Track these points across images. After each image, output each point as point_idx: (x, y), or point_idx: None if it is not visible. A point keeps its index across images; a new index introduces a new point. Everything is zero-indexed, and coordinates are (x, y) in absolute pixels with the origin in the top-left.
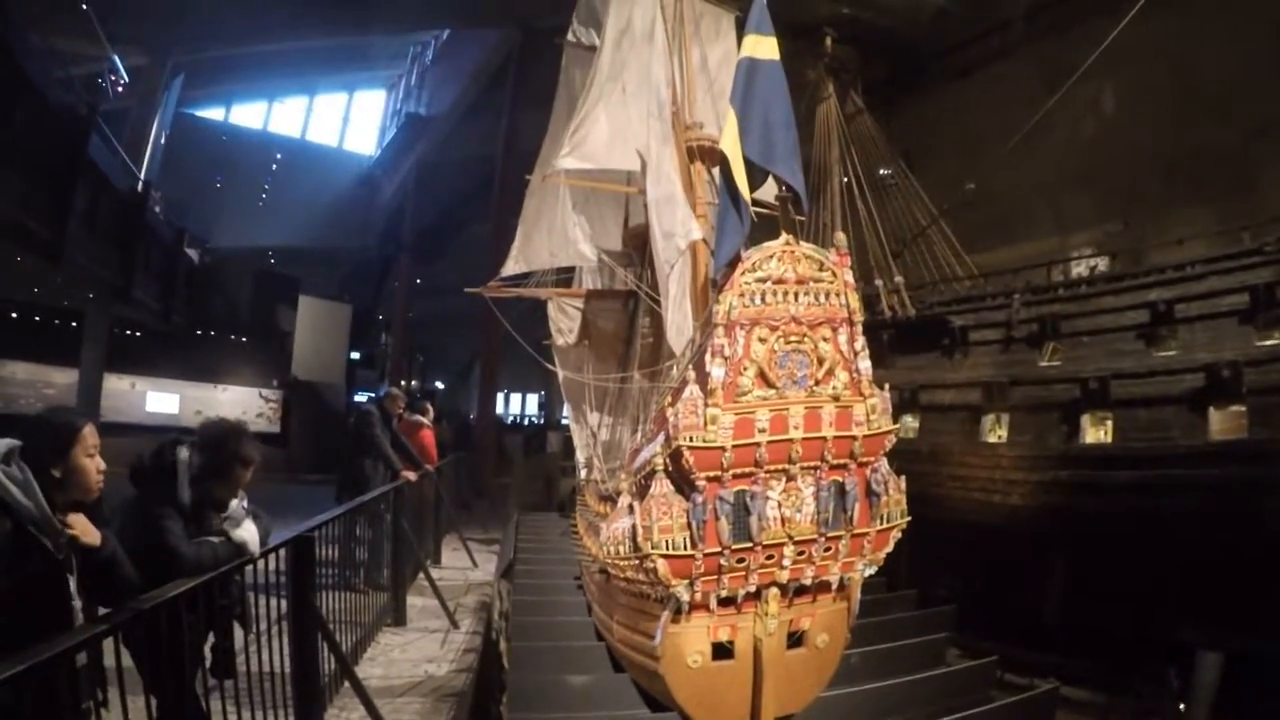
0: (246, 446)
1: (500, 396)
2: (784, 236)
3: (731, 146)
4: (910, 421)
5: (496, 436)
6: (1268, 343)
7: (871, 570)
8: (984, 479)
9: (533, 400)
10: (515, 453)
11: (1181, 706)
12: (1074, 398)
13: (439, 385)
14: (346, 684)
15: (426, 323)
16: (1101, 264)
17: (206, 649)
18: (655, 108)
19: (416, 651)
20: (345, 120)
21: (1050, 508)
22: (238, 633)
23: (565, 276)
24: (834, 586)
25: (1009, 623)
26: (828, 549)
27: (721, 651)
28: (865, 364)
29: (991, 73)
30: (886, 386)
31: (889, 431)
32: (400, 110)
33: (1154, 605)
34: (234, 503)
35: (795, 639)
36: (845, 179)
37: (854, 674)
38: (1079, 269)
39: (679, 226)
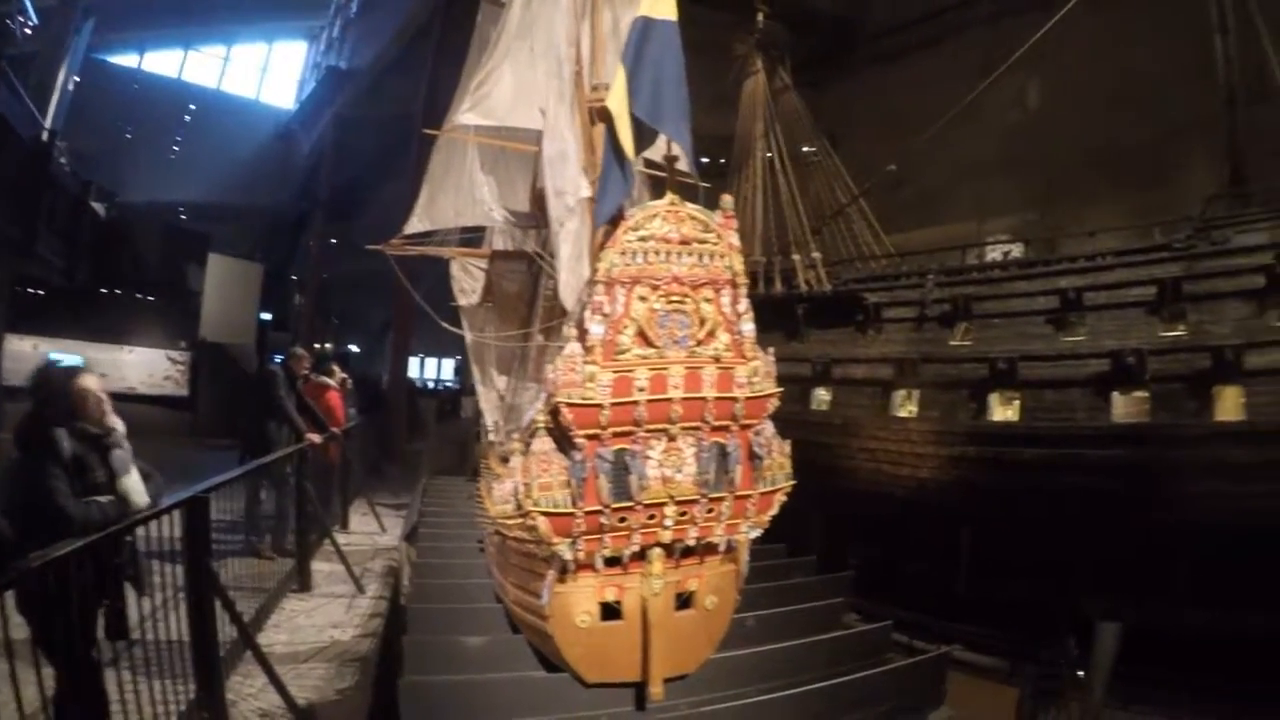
0: (64, 371)
1: (415, 361)
2: (669, 196)
3: (618, 103)
4: (823, 395)
5: (410, 400)
6: (1171, 334)
7: (757, 532)
8: (894, 452)
9: (449, 365)
10: (429, 417)
11: (1081, 674)
12: (983, 377)
13: (354, 348)
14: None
15: (342, 283)
16: (1016, 250)
17: (100, 614)
18: (555, 65)
19: (322, 617)
20: (264, 71)
21: (958, 482)
22: (136, 601)
23: (471, 236)
24: (721, 548)
25: (918, 591)
26: (710, 510)
27: (610, 612)
28: (749, 326)
29: (922, 58)
30: (771, 350)
31: (772, 394)
32: (321, 63)
33: (1057, 577)
34: (117, 451)
35: (684, 600)
36: (769, 154)
37: (750, 636)
38: (994, 254)
39: (569, 184)
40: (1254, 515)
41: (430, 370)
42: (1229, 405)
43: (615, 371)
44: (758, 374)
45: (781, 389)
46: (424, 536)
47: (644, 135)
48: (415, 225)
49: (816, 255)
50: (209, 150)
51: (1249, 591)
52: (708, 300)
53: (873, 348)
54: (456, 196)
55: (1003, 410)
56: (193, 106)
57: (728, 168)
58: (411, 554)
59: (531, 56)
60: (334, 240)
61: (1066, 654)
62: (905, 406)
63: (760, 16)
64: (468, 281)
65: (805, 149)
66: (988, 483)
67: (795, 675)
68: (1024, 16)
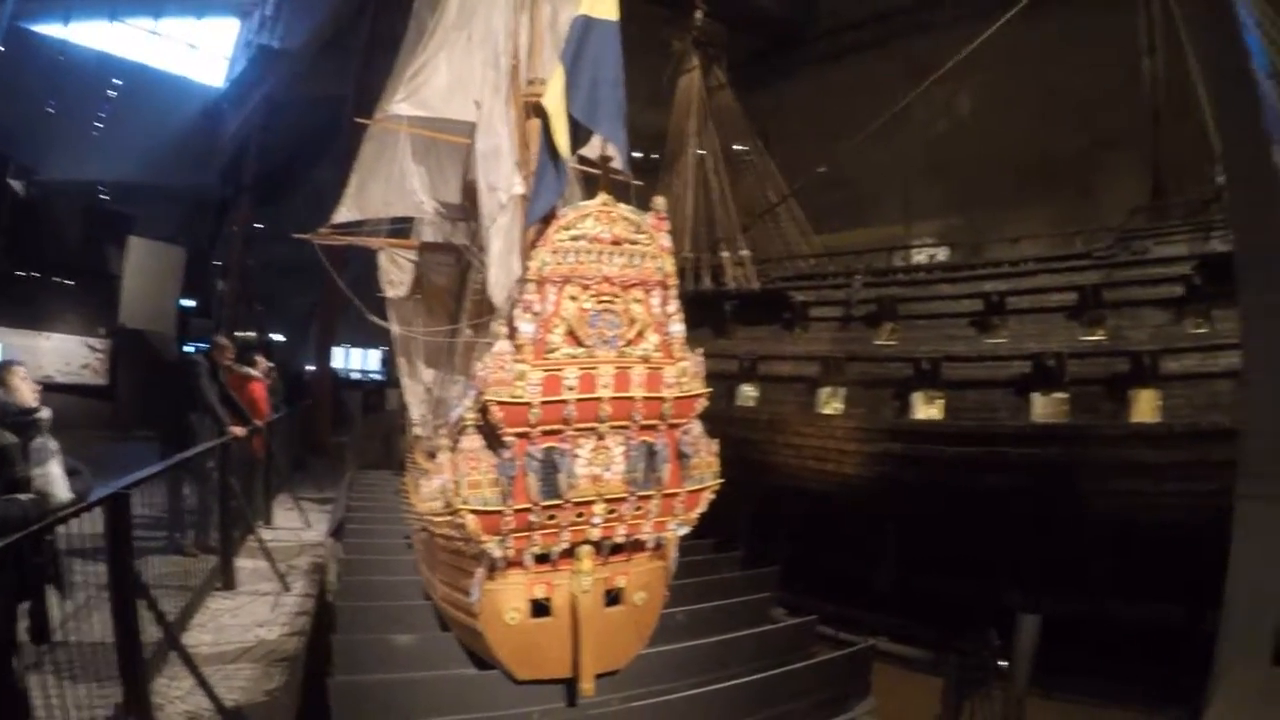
0: None
1: (341, 351)
2: (601, 196)
3: (555, 102)
4: (750, 391)
5: (334, 392)
6: (1091, 338)
7: (685, 530)
8: (819, 448)
9: (374, 355)
10: (354, 410)
11: (1003, 664)
12: (907, 376)
13: (277, 337)
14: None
15: (267, 270)
16: (942, 253)
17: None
18: (492, 58)
19: (247, 616)
20: (193, 47)
21: (882, 478)
22: (59, 603)
23: (401, 227)
24: (650, 545)
25: (844, 585)
26: (639, 508)
27: (540, 609)
28: (678, 327)
29: (857, 62)
30: (699, 351)
31: (700, 395)
32: (253, 41)
33: (979, 571)
34: (38, 441)
35: (613, 597)
36: (701, 151)
37: (679, 632)
38: (920, 256)
39: (502, 180)
40: (1168, 511)
41: (355, 361)
42: (1145, 408)
43: (545, 370)
44: (686, 374)
45: (710, 389)
46: (351, 533)
47: (579, 135)
48: (344, 214)
49: (745, 253)
50: (134, 127)
51: (1164, 583)
52: (638, 301)
53: (799, 345)
54: (387, 186)
55: (926, 409)
56: (118, 81)
57: (659, 163)
58: (338, 551)
59: (469, 46)
60: (259, 225)
61: (989, 645)
62: (830, 404)
63: (698, 14)
64: (396, 273)
65: (738, 147)
66: (911, 479)
67: (723, 670)
68: (959, 26)
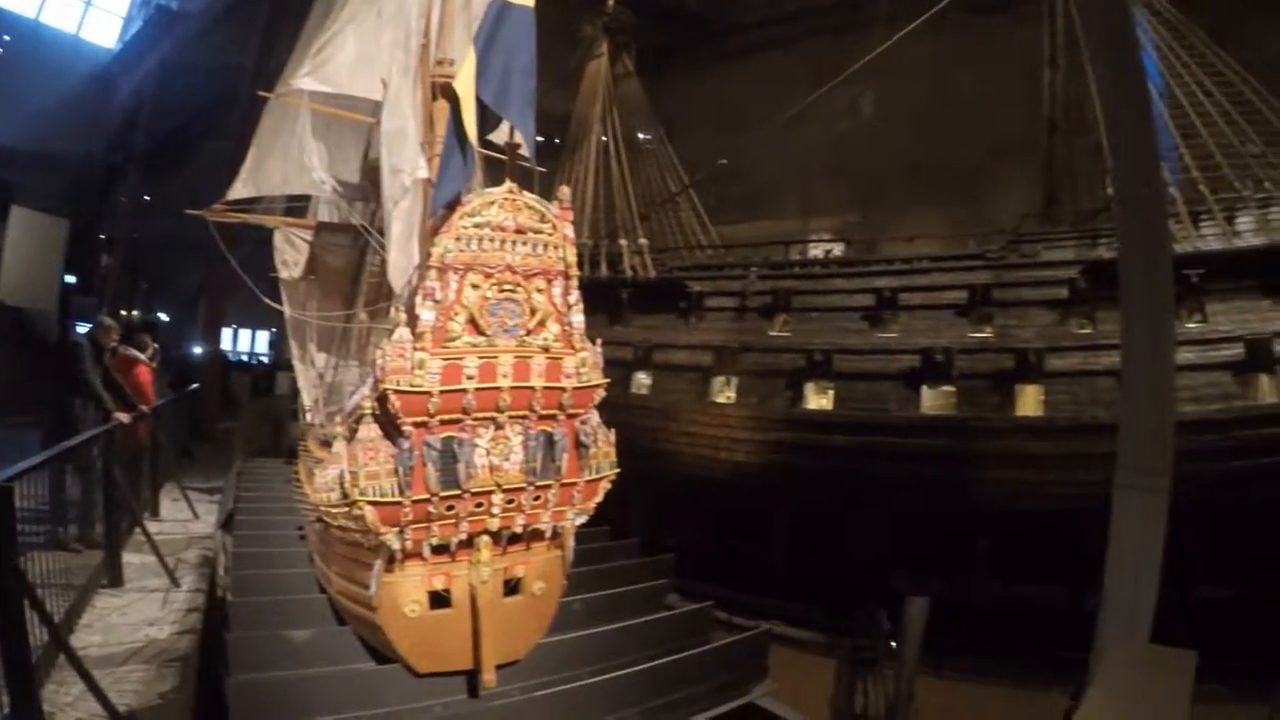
0: None
1: (229, 332)
2: (507, 184)
3: (465, 87)
4: (644, 379)
5: (222, 376)
6: (979, 335)
7: (582, 519)
8: (712, 436)
9: (263, 337)
10: (242, 394)
11: (894, 645)
12: (799, 367)
13: (163, 316)
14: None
15: (154, 245)
16: (838, 249)
17: None
18: (403, 37)
19: (136, 614)
20: (87, 4)
21: (774, 466)
22: None
23: (297, 205)
24: (547, 535)
25: (738, 570)
26: (537, 498)
27: (439, 600)
28: (578, 318)
29: (765, 59)
30: (599, 341)
31: (598, 385)
32: (150, 1)
33: (869, 556)
34: None
35: (512, 586)
36: (604, 138)
37: (577, 620)
38: (816, 251)
39: (407, 163)
40: (1050, 500)
41: (244, 343)
42: (1029, 402)
43: (445, 359)
44: (585, 365)
45: (608, 380)
46: (241, 524)
47: (487, 120)
48: (240, 190)
49: (643, 241)
50: (18, 88)
51: (1045, 567)
52: (539, 290)
53: (694, 335)
54: (285, 162)
55: (818, 399)
56: (5, 37)
57: (561, 148)
58: (228, 543)
59: (379, 23)
60: (148, 197)
61: (879, 627)
62: (724, 393)
63: (610, 1)
64: (290, 253)
65: (641, 136)
66: (803, 467)
67: (622, 657)
68: (868, 29)
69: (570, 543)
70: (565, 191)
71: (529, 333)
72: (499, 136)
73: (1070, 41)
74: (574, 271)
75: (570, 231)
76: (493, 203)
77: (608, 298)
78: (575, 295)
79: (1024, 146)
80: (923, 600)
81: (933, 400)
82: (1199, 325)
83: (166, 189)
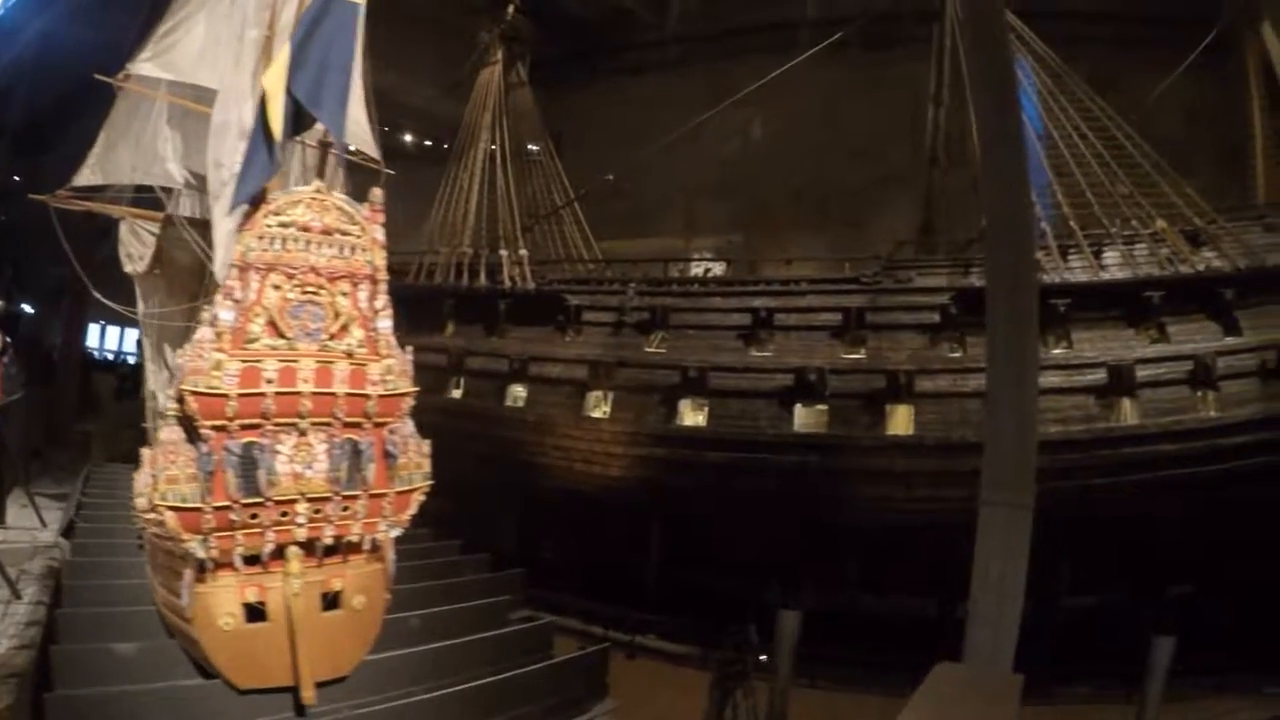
0: None
1: (97, 328)
2: (316, 183)
3: (274, 82)
4: (520, 391)
5: (83, 374)
6: (852, 356)
7: (397, 532)
8: (586, 451)
9: (132, 335)
10: (106, 395)
11: (764, 658)
12: (674, 383)
13: (27, 308)
14: None
15: (22, 229)
16: (718, 268)
17: None
18: (241, 29)
19: None
20: None
21: (648, 481)
22: None
23: (148, 197)
24: (365, 547)
25: (611, 584)
26: (345, 509)
27: (255, 614)
28: (386, 323)
29: (658, 78)
30: (409, 349)
31: (406, 393)
32: None
33: (742, 570)
34: None
35: (330, 600)
36: (493, 147)
37: (413, 636)
38: (697, 269)
39: (227, 157)
40: (919, 516)
41: (112, 340)
42: (900, 422)
43: (243, 361)
44: (392, 372)
45: (416, 388)
46: (81, 532)
47: (303, 117)
48: (87, 177)
49: (524, 253)
50: None
51: (917, 580)
52: (344, 294)
53: (570, 349)
54: (137, 150)
55: (692, 416)
56: None
57: (448, 153)
58: (68, 551)
59: (230, 9)
60: (17, 176)
61: (748, 640)
62: (599, 407)
63: (511, 7)
64: (136, 246)
65: (531, 147)
66: (676, 482)
67: (456, 675)
68: (762, 55)
69: (391, 556)
70: (378, 194)
71: (332, 337)
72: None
73: (956, 80)
74: (382, 275)
75: (380, 234)
76: (299, 202)
77: (485, 308)
78: (383, 300)
79: (906, 177)
80: (794, 613)
81: (805, 418)
82: (1065, 351)
83: (39, 169)
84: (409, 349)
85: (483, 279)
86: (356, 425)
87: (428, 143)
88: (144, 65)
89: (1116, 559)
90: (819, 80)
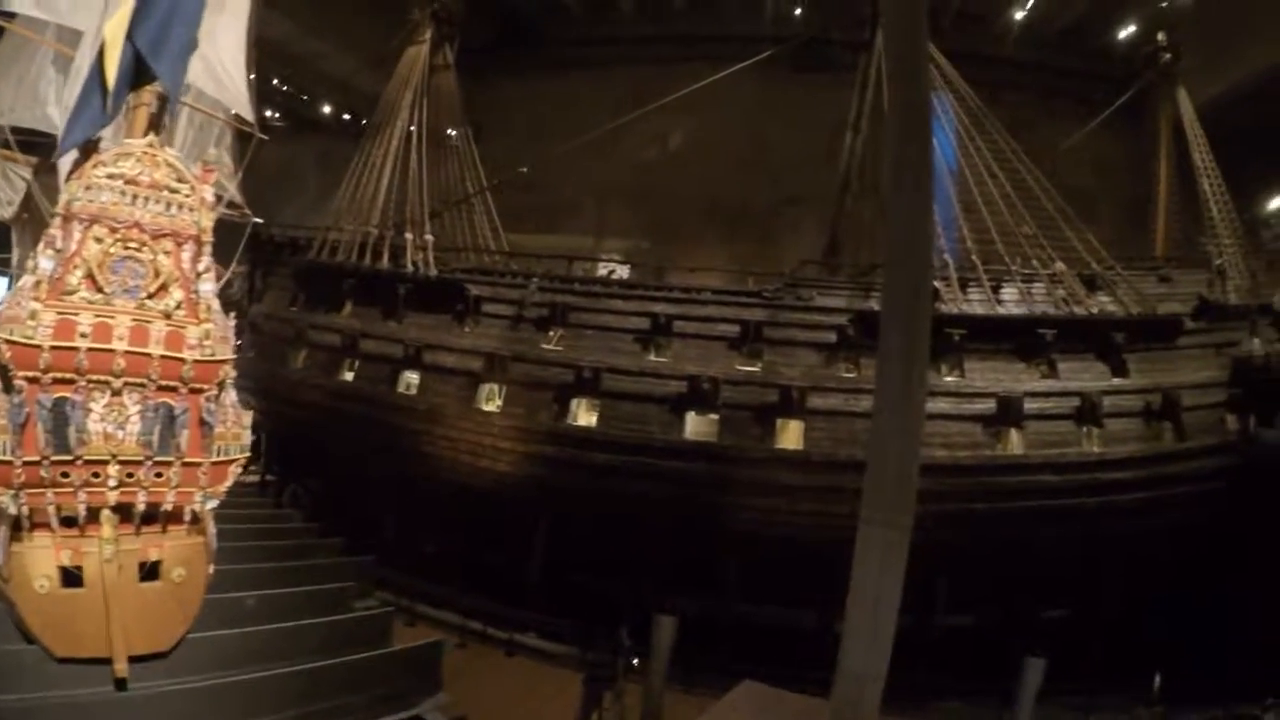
0: None
1: None
2: (150, 137)
3: (115, 30)
4: (413, 378)
5: None
6: (747, 368)
7: (213, 504)
8: (475, 444)
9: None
10: None
11: (636, 662)
12: (568, 382)
13: None
14: None
15: None
16: (623, 271)
17: None
18: None
19: None
20: None
21: (535, 478)
22: None
23: (42, 141)
24: (185, 518)
25: (494, 580)
26: (159, 475)
27: (71, 579)
28: (208, 286)
29: (585, 77)
30: (233, 315)
31: (224, 361)
32: None
33: (623, 573)
34: None
35: (150, 571)
36: (411, 127)
37: (246, 616)
38: (602, 270)
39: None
40: (802, 529)
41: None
42: (790, 436)
43: (59, 313)
44: (210, 337)
45: (233, 357)
46: None
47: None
48: None
49: (430, 238)
50: None
51: (794, 592)
52: (167, 253)
53: (467, 339)
54: (18, 90)
55: (584, 416)
56: None
57: (365, 129)
58: None
59: None
60: None
61: (621, 644)
62: (491, 400)
63: None
64: (6, 190)
65: (449, 132)
66: (563, 482)
67: (288, 659)
68: (689, 65)
69: (211, 529)
70: (213, 154)
71: (151, 296)
72: (231, 96)
73: (877, 110)
74: (207, 237)
75: (210, 196)
76: (130, 155)
77: (385, 291)
78: (207, 262)
79: (818, 199)
80: (671, 619)
81: (697, 426)
82: (957, 379)
83: None
84: (232, 316)
85: (385, 261)
86: (172, 390)
87: (346, 116)
88: (24, 4)
89: (995, 581)
90: (743, 96)
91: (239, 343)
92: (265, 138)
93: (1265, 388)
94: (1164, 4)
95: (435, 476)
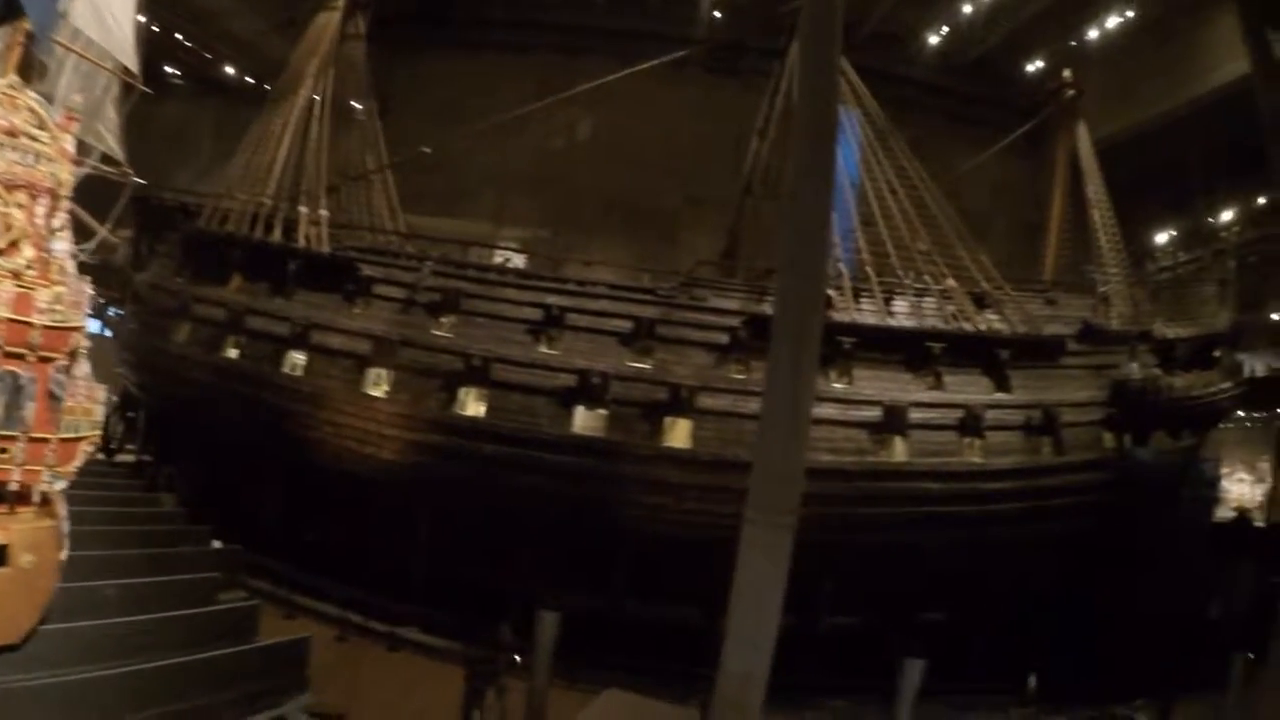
0: None
1: None
2: (10, 77)
3: None
4: (299, 359)
5: None
6: (638, 365)
7: (62, 484)
8: (360, 430)
9: None
10: None
11: (518, 658)
12: (457, 370)
13: None
14: None
15: None
16: (519, 260)
17: None
18: None
19: None
20: None
21: (421, 467)
22: None
23: None
24: (34, 500)
25: (377, 572)
26: (3, 450)
27: None
28: (62, 245)
29: (497, 61)
30: (87, 279)
31: (74, 329)
32: None
33: (508, 567)
34: None
35: None
36: (316, 96)
37: (105, 606)
38: (499, 258)
39: None
40: (689, 528)
41: None
42: (678, 435)
43: None
44: (62, 301)
45: (81, 324)
46: None
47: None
48: None
49: (325, 213)
50: None
51: (680, 589)
52: (20, 206)
53: (356, 320)
54: None
55: (473, 405)
56: None
57: (268, 94)
58: None
59: None
60: None
61: (502, 640)
62: (378, 385)
63: None
64: None
65: (355, 105)
66: (449, 472)
67: (144, 653)
68: (601, 58)
69: (63, 511)
70: (76, 101)
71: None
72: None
73: (785, 117)
74: (65, 191)
75: (71, 146)
76: None
77: (275, 266)
78: (62, 220)
79: (720, 201)
80: (554, 615)
81: (585, 421)
82: (845, 386)
83: None
84: (87, 279)
85: (278, 234)
86: (18, 357)
87: (249, 79)
88: None
89: (877, 584)
90: (654, 93)
91: (121, 313)
92: (148, 89)
93: (1141, 409)
94: (1073, 43)
95: (319, 462)
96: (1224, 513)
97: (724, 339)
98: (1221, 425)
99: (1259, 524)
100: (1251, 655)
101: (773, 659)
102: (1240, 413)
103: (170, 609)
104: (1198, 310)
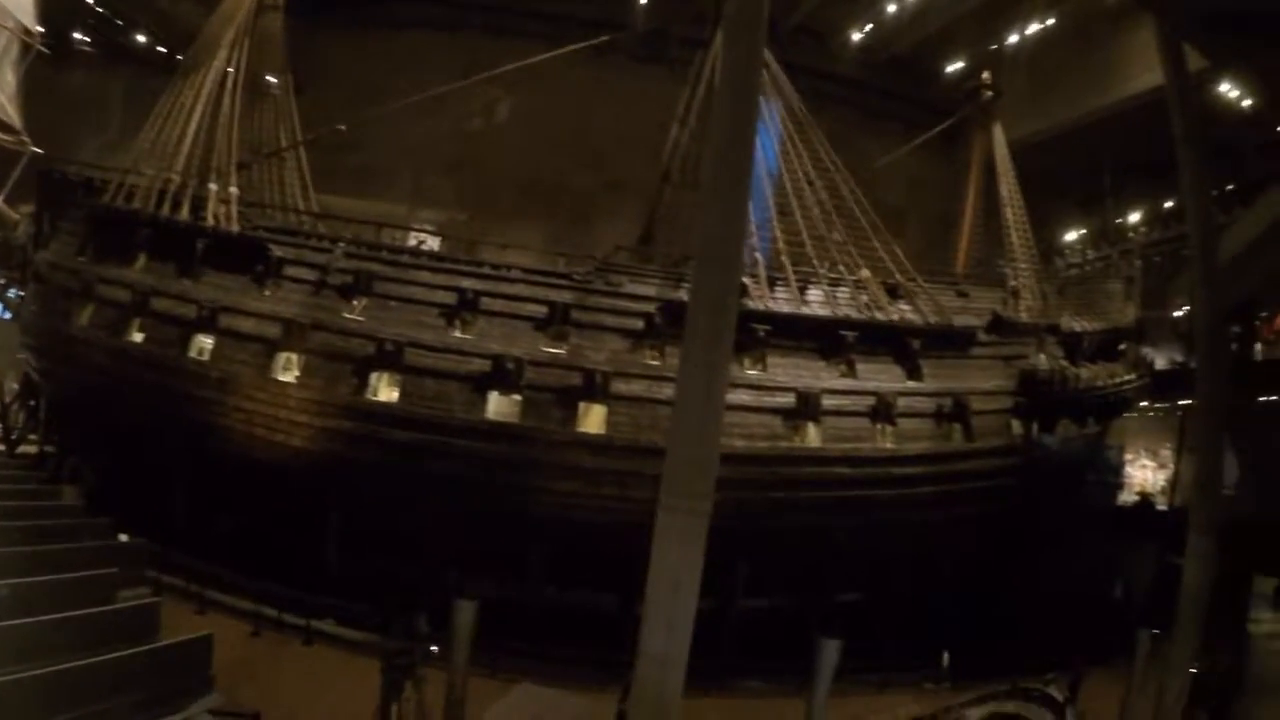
0: None
1: None
2: None
3: None
4: (206, 343)
5: None
6: (552, 350)
7: None
8: (270, 416)
9: None
10: None
11: (435, 649)
12: (369, 355)
13: None
14: None
15: None
16: (433, 242)
17: None
18: None
19: None
20: None
21: (332, 454)
22: None
23: None
24: None
25: (290, 563)
26: None
27: None
28: None
29: (417, 38)
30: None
31: None
32: None
33: (422, 556)
34: None
35: None
36: (229, 69)
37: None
38: (412, 240)
39: None
40: (604, 513)
41: None
42: (593, 420)
43: None
44: None
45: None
46: None
47: None
48: None
49: (235, 191)
50: None
51: (597, 575)
52: None
53: (266, 303)
54: None
55: (385, 391)
56: None
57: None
58: None
59: None
60: None
61: (417, 630)
62: (288, 370)
63: None
64: None
65: (269, 79)
66: (361, 459)
67: (44, 655)
68: (524, 40)
69: None
70: None
71: None
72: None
73: (705, 106)
74: None
75: None
76: None
77: (182, 245)
78: None
79: (638, 186)
80: (471, 604)
81: (499, 407)
82: (759, 373)
83: None
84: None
85: (186, 212)
86: None
87: (162, 49)
88: None
89: (792, 566)
90: (575, 78)
91: (22, 295)
92: (47, 49)
93: (1048, 398)
94: (994, 46)
95: (228, 451)
96: (1128, 497)
97: (639, 325)
98: (1126, 415)
99: (1161, 508)
100: (1156, 631)
101: (690, 641)
102: (1144, 403)
103: (67, 608)
104: (1104, 306)
